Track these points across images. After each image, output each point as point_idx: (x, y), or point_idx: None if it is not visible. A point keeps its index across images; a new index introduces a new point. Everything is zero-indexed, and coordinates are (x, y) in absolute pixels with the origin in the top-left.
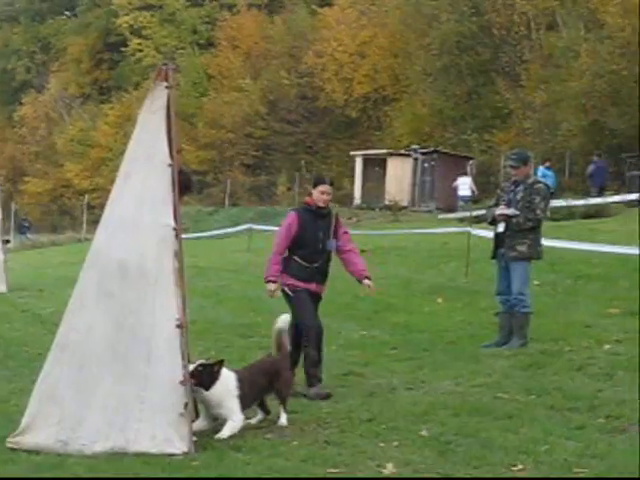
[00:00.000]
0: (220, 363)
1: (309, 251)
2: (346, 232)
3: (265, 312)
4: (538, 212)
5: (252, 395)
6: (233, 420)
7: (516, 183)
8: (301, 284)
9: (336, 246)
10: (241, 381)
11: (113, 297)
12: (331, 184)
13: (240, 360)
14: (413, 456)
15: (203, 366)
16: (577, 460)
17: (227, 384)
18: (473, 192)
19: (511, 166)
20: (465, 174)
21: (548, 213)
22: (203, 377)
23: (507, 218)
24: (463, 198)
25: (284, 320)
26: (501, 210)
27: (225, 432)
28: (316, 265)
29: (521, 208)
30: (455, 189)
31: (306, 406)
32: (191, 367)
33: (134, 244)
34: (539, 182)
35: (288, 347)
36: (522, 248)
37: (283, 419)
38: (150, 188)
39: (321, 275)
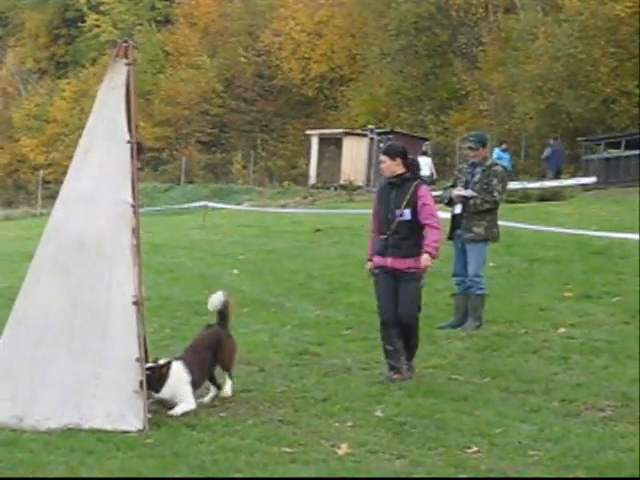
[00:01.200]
0: (168, 364)
1: (382, 222)
2: (425, 204)
3: (219, 290)
4: (495, 194)
5: (202, 374)
6: (187, 402)
7: (474, 165)
8: (378, 259)
9: (410, 216)
10: (189, 365)
11: (70, 273)
12: (388, 153)
13: (194, 337)
14: (368, 437)
15: (151, 369)
16: (532, 443)
17: (178, 376)
18: (432, 174)
19: (470, 147)
20: (425, 154)
21: (505, 195)
22: (153, 380)
23: (464, 200)
24: (422, 178)
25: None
26: (458, 192)
27: (178, 410)
28: (386, 236)
29: (478, 190)
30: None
31: (260, 385)
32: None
33: (92, 220)
34: (497, 164)
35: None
36: (479, 230)
37: (227, 388)
38: (109, 164)
39: (396, 248)
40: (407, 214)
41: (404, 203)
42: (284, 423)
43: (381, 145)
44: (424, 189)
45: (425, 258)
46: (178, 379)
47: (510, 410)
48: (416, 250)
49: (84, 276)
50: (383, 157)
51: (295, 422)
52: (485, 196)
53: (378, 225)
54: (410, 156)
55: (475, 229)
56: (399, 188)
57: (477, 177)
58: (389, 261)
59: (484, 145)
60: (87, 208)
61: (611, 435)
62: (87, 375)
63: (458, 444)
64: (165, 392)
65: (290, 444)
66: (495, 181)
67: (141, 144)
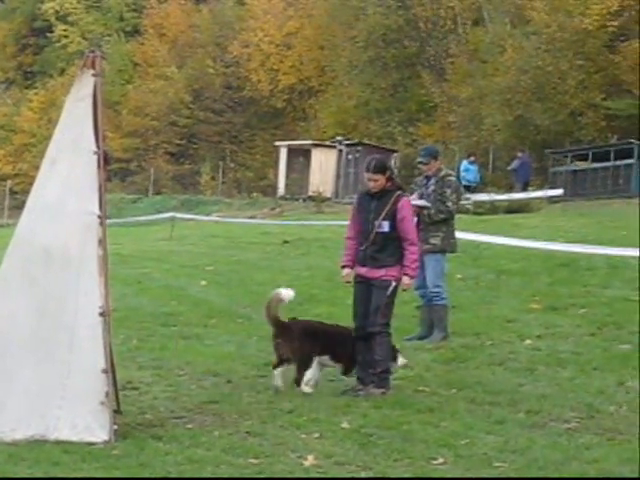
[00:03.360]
0: None
1: (361, 232)
2: (405, 217)
3: (187, 301)
4: (449, 204)
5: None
6: None
7: (428, 177)
8: (357, 268)
9: (388, 228)
10: None
11: (36, 283)
12: (375, 170)
13: (161, 349)
14: (334, 448)
15: None
16: (497, 454)
17: None
18: None
19: (421, 162)
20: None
21: (459, 205)
22: None
23: (419, 210)
24: (404, 189)
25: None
26: (413, 201)
27: None
28: (364, 247)
29: (433, 201)
30: None
31: (227, 396)
32: None
33: (58, 231)
34: (450, 175)
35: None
36: (435, 241)
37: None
38: (76, 175)
39: (373, 259)
40: (385, 226)
41: (383, 214)
42: (251, 434)
43: (349, 157)
44: (405, 201)
45: (406, 281)
46: None
47: (476, 421)
48: (391, 261)
49: (51, 287)
50: (376, 176)
51: (262, 433)
52: (439, 206)
53: (355, 233)
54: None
55: (432, 240)
56: (380, 199)
57: (431, 188)
58: (364, 270)
59: (435, 158)
60: (54, 218)
61: (576, 447)
62: (53, 386)
63: (424, 455)
64: None
65: (257, 455)
66: (449, 191)
67: (107, 154)
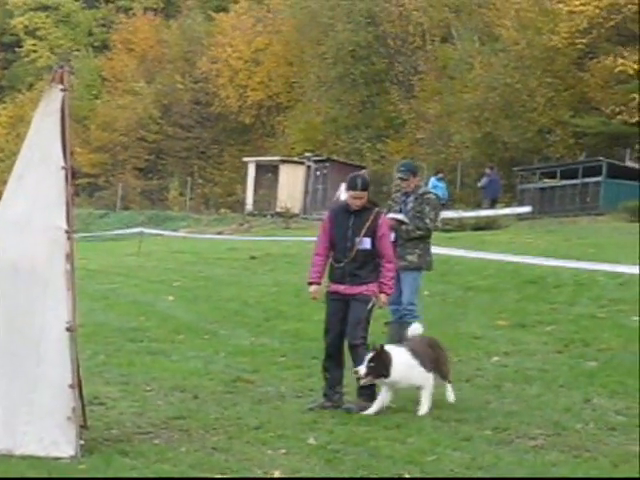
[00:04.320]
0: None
1: (338, 249)
2: (385, 234)
3: (154, 316)
4: (427, 221)
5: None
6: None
7: (407, 194)
8: (332, 285)
9: (369, 245)
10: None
11: (4, 298)
12: (363, 188)
13: (129, 364)
14: (300, 464)
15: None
16: (464, 471)
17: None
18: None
19: (400, 178)
20: None
21: (439, 224)
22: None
23: (398, 224)
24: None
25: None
26: (392, 215)
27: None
28: (342, 264)
29: (411, 218)
30: (338, 196)
31: (194, 412)
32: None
33: (26, 245)
34: (429, 192)
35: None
36: (412, 258)
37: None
38: (43, 190)
39: (353, 276)
40: (367, 242)
41: (364, 231)
42: (217, 450)
43: (318, 173)
44: (384, 218)
45: (383, 299)
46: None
47: (443, 438)
48: (372, 277)
49: (18, 301)
50: (363, 193)
51: (228, 449)
52: (418, 223)
53: (324, 250)
54: None
55: (408, 257)
56: (358, 216)
57: (410, 205)
58: (342, 288)
59: (414, 174)
60: (21, 233)
61: (543, 464)
62: (20, 401)
63: (391, 472)
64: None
65: (223, 471)
66: (428, 209)
67: (74, 169)
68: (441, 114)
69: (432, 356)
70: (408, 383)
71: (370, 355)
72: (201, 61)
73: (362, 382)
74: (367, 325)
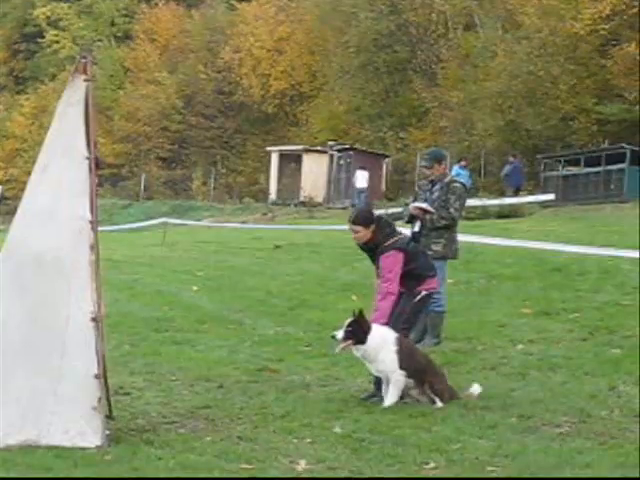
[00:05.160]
0: None
1: None
2: (383, 276)
3: (179, 306)
4: (452, 211)
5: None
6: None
7: (433, 182)
8: None
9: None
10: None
11: (28, 289)
12: (355, 222)
13: (154, 354)
14: (326, 453)
15: None
16: (489, 459)
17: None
18: (368, 186)
19: (424, 166)
20: (363, 168)
21: (463, 212)
22: None
23: (422, 213)
24: (359, 189)
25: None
26: (417, 204)
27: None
28: None
29: (437, 207)
30: (354, 183)
31: (219, 401)
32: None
33: (50, 236)
34: (455, 181)
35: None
36: (437, 247)
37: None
38: (67, 181)
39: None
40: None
41: (378, 272)
42: (243, 440)
43: (341, 162)
44: (386, 257)
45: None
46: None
47: (468, 426)
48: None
49: (42, 292)
50: (354, 227)
51: (254, 439)
52: (442, 213)
53: None
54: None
55: (433, 247)
56: (374, 252)
57: (436, 194)
58: None
59: (439, 162)
60: (45, 224)
61: (568, 451)
62: (45, 391)
63: (416, 460)
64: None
65: (248, 461)
66: (453, 198)
67: (98, 160)
68: (464, 102)
69: (418, 364)
70: (377, 360)
71: (349, 320)
72: (224, 51)
73: (338, 347)
74: (414, 319)
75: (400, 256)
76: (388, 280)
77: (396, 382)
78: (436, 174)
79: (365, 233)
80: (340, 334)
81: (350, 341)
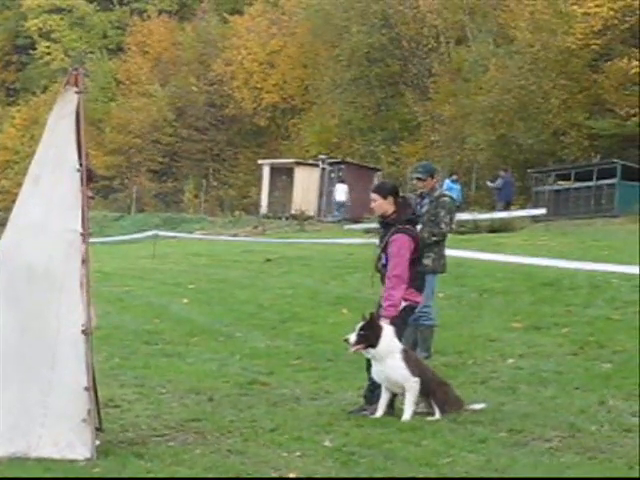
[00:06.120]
0: None
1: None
2: (392, 255)
3: (169, 319)
4: (443, 226)
5: None
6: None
7: (422, 196)
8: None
9: (385, 261)
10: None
11: (19, 300)
12: (374, 190)
13: (144, 366)
14: (316, 466)
15: None
16: (479, 473)
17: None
18: (347, 199)
19: (418, 178)
20: (342, 182)
21: (454, 226)
22: None
23: None
24: (339, 203)
25: None
26: None
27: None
28: (380, 276)
29: (426, 222)
30: (334, 196)
31: (209, 414)
32: None
33: (42, 248)
34: (444, 195)
35: None
36: (426, 261)
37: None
38: (59, 193)
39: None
40: (384, 259)
41: (382, 246)
42: (232, 453)
43: (332, 176)
44: (395, 239)
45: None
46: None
47: (458, 440)
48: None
49: (33, 304)
50: (373, 195)
51: (243, 452)
52: (433, 228)
53: None
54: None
55: (423, 261)
56: (385, 232)
57: (425, 208)
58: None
59: (432, 175)
60: (37, 236)
61: (558, 466)
62: (35, 403)
63: (405, 474)
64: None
65: (238, 474)
66: (443, 213)
67: (92, 172)
68: (456, 116)
69: (424, 373)
70: (386, 365)
71: (361, 323)
72: (216, 63)
73: (352, 350)
74: (399, 330)
75: (410, 243)
76: (397, 264)
77: (411, 389)
78: (426, 188)
79: (380, 203)
80: (353, 337)
81: (361, 345)
